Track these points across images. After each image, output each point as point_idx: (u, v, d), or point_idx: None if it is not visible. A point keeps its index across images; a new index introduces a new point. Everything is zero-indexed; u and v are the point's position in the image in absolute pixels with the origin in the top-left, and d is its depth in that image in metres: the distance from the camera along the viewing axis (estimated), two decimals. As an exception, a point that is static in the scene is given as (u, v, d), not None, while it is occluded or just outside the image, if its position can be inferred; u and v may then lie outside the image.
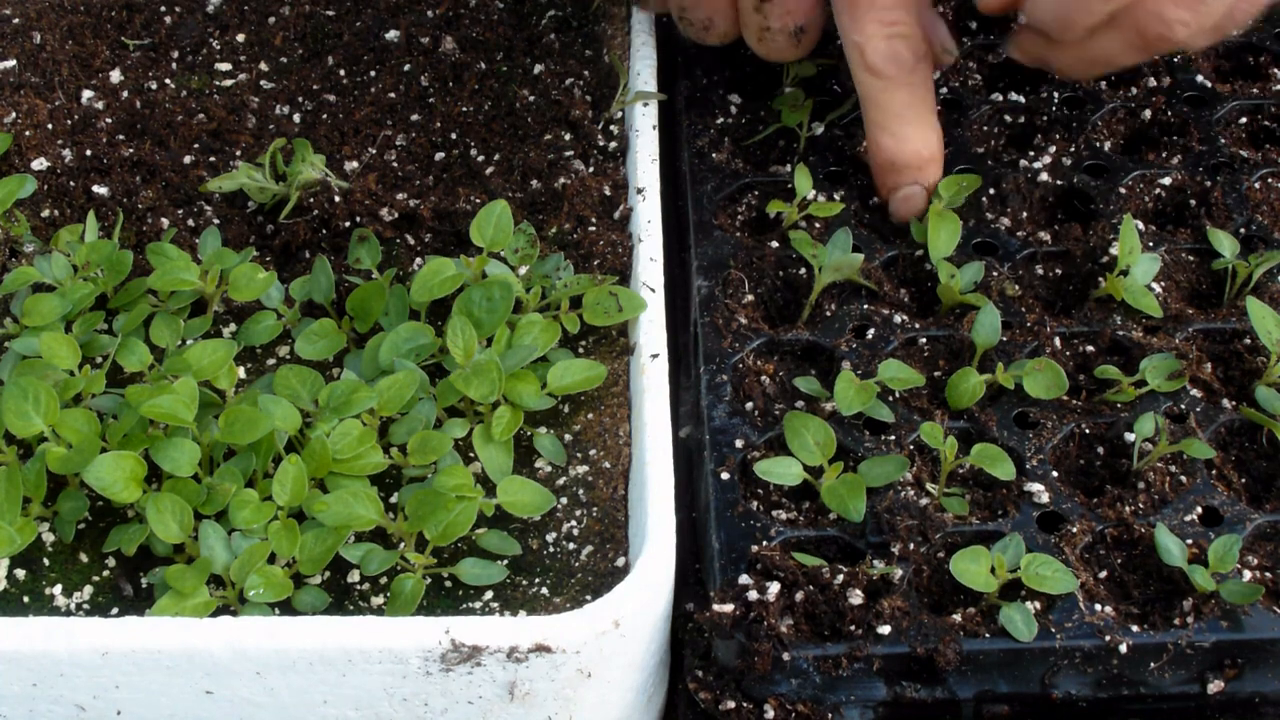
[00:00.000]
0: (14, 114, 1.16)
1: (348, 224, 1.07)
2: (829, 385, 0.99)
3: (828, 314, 1.05)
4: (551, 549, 0.94)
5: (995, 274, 1.07)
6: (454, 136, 1.15)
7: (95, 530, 0.94)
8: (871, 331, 1.04)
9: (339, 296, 1.04)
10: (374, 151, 1.15)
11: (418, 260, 1.07)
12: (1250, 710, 0.89)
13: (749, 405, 1.00)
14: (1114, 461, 0.98)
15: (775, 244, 1.09)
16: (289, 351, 1.04)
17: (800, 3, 1.09)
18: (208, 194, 1.11)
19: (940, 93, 1.20)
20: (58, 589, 0.92)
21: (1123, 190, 1.13)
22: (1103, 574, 0.92)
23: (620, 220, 1.09)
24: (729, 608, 0.88)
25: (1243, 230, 1.09)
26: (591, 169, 1.13)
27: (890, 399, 1.00)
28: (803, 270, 1.07)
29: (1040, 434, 0.98)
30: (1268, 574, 0.91)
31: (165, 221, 1.09)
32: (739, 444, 0.97)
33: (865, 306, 1.05)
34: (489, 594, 0.92)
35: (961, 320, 1.04)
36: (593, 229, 1.08)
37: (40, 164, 1.13)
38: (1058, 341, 1.03)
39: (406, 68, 1.19)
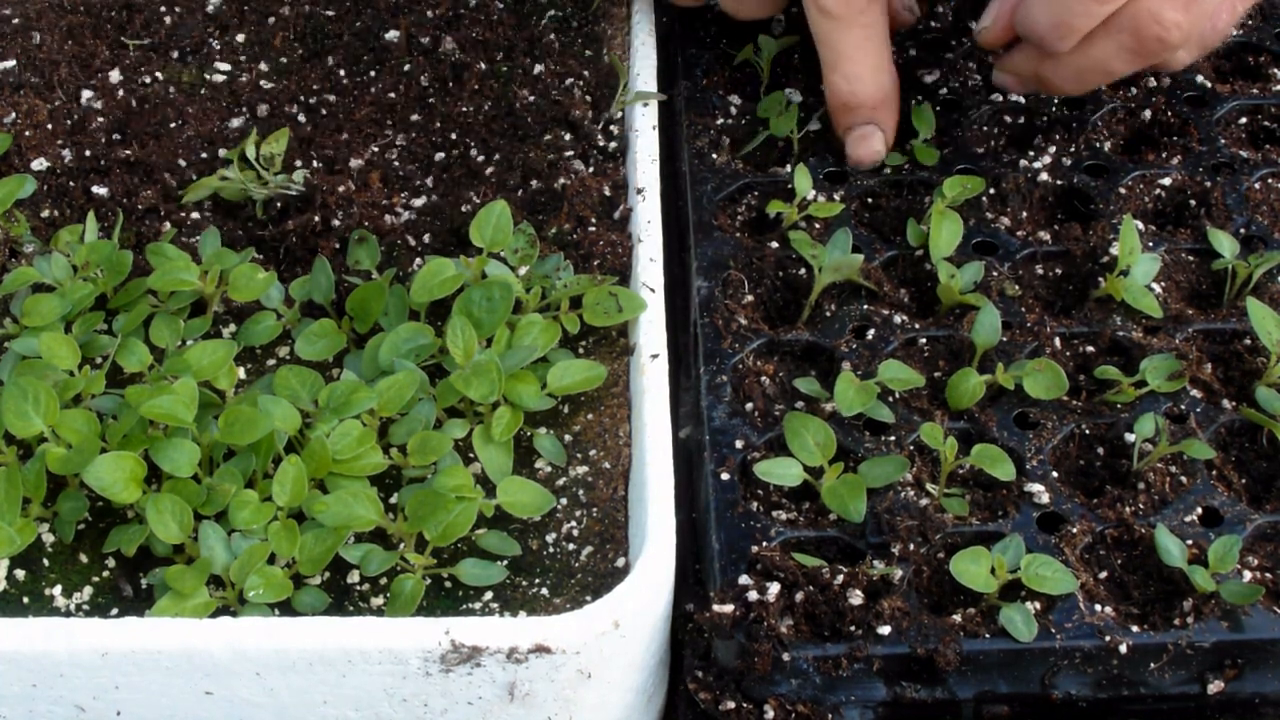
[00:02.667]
0: (14, 114, 1.15)
1: (346, 223, 1.07)
2: (829, 386, 0.99)
3: (828, 314, 1.05)
4: (551, 549, 0.94)
5: (995, 274, 1.07)
6: (454, 136, 1.15)
7: (95, 531, 0.94)
8: (871, 332, 1.04)
9: (339, 297, 1.04)
10: (376, 150, 1.15)
11: (417, 260, 1.07)
12: (1250, 711, 0.89)
13: (749, 406, 1.00)
14: (1114, 462, 0.98)
15: (775, 244, 1.09)
16: (289, 352, 1.04)
17: None
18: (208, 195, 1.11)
19: (940, 93, 1.20)
20: (57, 590, 0.92)
21: (1123, 190, 1.13)
22: (1103, 574, 0.92)
23: (620, 220, 1.09)
24: (729, 608, 0.88)
25: (1243, 230, 1.09)
26: (591, 169, 1.13)
27: (890, 399, 1.00)
28: (802, 270, 1.07)
29: (1040, 434, 0.98)
30: (1268, 574, 0.91)
31: (166, 222, 1.09)
32: (739, 444, 0.97)
33: (865, 307, 1.05)
34: (489, 594, 0.92)
35: (961, 320, 1.04)
36: (593, 229, 1.08)
37: (40, 164, 1.13)
38: (1058, 342, 1.03)
39: (406, 68, 1.19)
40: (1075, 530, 0.93)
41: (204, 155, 1.14)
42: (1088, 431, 0.99)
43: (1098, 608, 0.89)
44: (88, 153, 1.14)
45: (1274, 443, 0.98)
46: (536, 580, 0.92)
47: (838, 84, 1.12)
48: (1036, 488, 0.95)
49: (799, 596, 0.89)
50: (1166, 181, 1.14)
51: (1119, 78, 1.11)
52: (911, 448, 0.98)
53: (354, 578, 0.92)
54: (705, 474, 0.97)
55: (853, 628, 0.88)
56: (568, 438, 0.99)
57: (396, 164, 1.14)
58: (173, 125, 1.16)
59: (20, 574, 0.92)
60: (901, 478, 0.95)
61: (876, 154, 1.12)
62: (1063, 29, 1.02)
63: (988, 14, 1.11)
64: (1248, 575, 0.91)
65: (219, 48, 1.22)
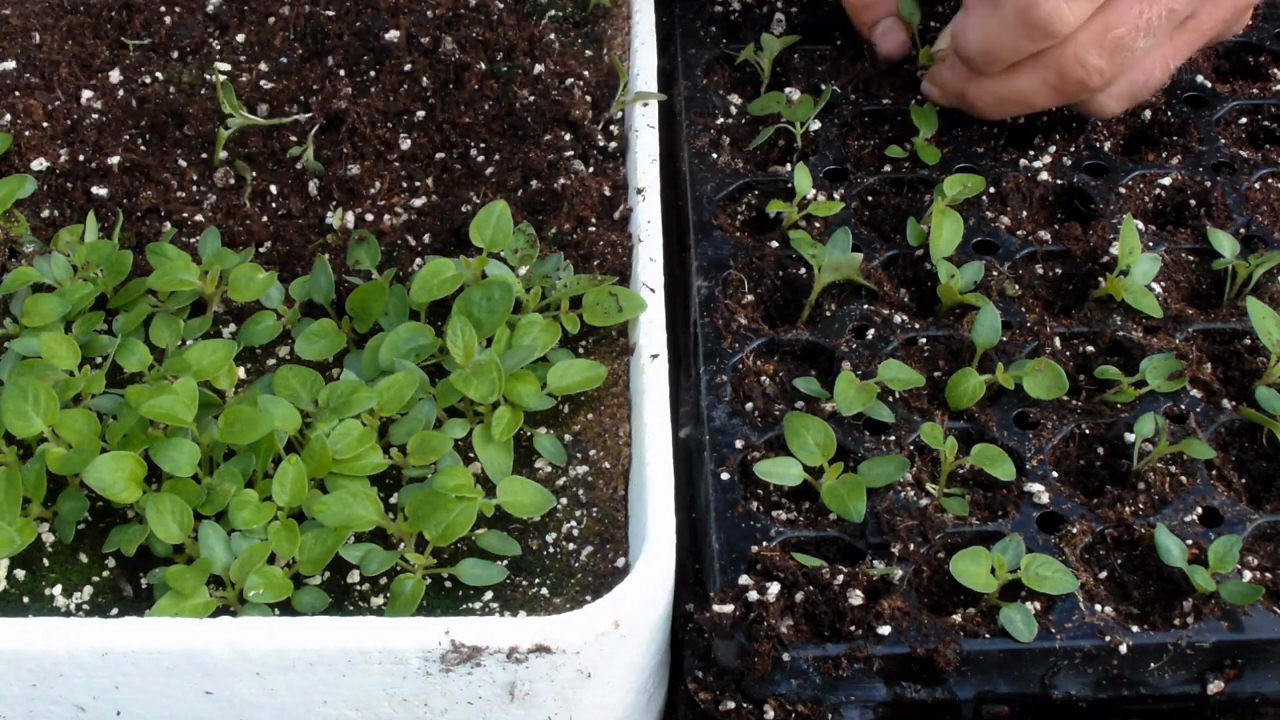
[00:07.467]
0: (14, 115, 1.15)
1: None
2: (829, 385, 0.99)
3: (828, 314, 1.05)
4: (551, 549, 0.94)
5: (995, 274, 1.07)
6: (454, 137, 1.15)
7: (95, 531, 0.94)
8: (871, 331, 1.04)
9: (339, 297, 1.04)
10: (376, 151, 1.15)
11: (417, 261, 1.07)
12: (1250, 711, 0.89)
13: (749, 406, 1.00)
14: (1114, 462, 0.98)
15: (775, 244, 1.09)
16: (289, 352, 1.04)
17: None
18: (205, 194, 1.11)
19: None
20: (57, 589, 0.92)
21: (1123, 190, 1.13)
22: (1103, 574, 0.92)
23: (620, 220, 1.09)
24: (729, 608, 0.88)
25: (1243, 230, 1.09)
26: (591, 169, 1.13)
27: (890, 399, 1.00)
28: (802, 270, 1.07)
29: (1040, 434, 0.98)
30: (1268, 574, 0.91)
31: (166, 222, 1.09)
32: (739, 444, 0.97)
33: (865, 306, 1.05)
34: (489, 594, 0.92)
35: (961, 320, 1.04)
36: (593, 229, 1.07)
37: (40, 164, 1.13)
38: (1058, 342, 1.03)
39: (407, 68, 1.19)
40: (1075, 530, 0.93)
41: (204, 155, 1.14)
42: (1088, 431, 0.99)
43: (1098, 608, 0.89)
44: (87, 153, 1.14)
45: (1274, 442, 0.98)
46: (536, 580, 0.92)
47: None
48: (1036, 487, 0.95)
49: (799, 596, 0.89)
50: (1166, 181, 1.14)
51: (1038, 110, 1.13)
52: (911, 448, 0.98)
53: (354, 578, 0.92)
54: (705, 474, 0.97)
55: (853, 628, 0.88)
56: (568, 438, 0.99)
57: (397, 164, 1.14)
58: (172, 125, 1.16)
59: (20, 574, 0.93)
60: (901, 478, 0.95)
61: (903, 45, 1.17)
62: (990, 55, 1.07)
63: (943, 36, 1.15)
64: (1248, 575, 0.91)
65: (219, 48, 1.22)
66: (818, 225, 1.10)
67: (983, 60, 1.07)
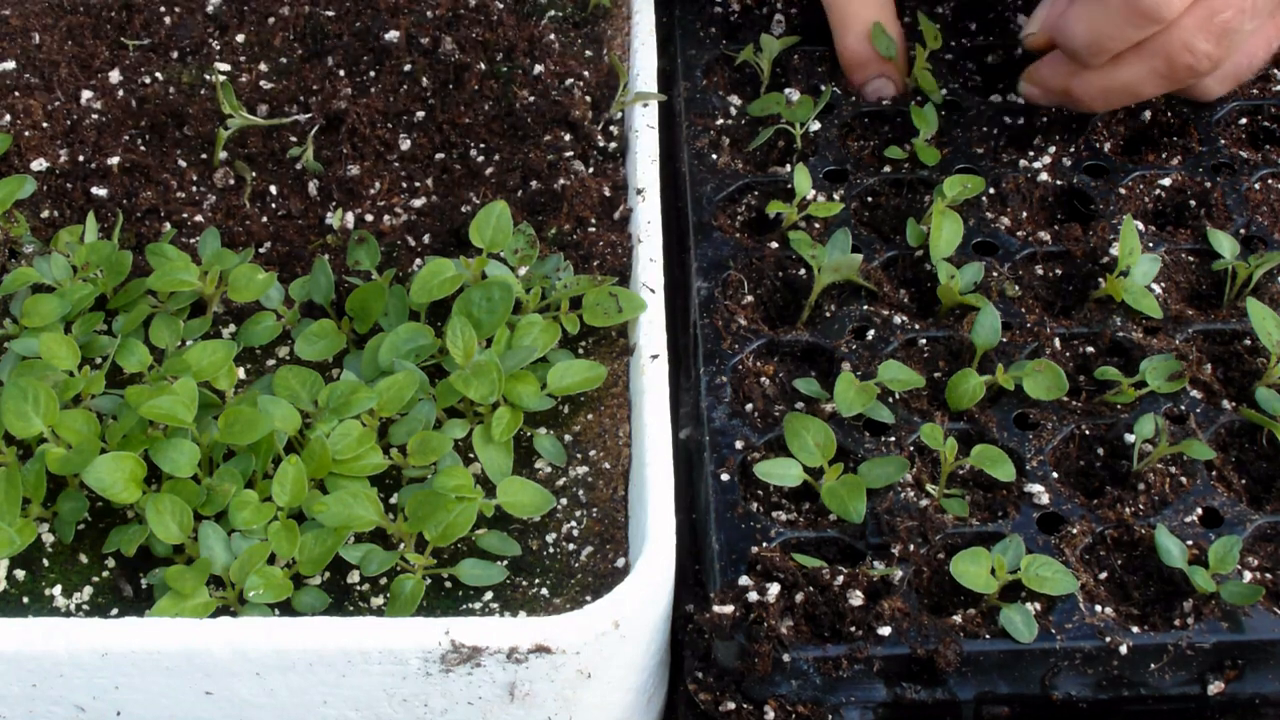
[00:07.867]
0: (13, 115, 1.15)
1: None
2: (829, 386, 0.99)
3: (827, 315, 1.05)
4: (551, 550, 0.94)
5: (995, 274, 1.07)
6: (454, 137, 1.15)
7: (95, 531, 0.94)
8: (871, 332, 1.04)
9: (339, 297, 1.04)
10: (380, 149, 1.15)
11: (417, 261, 1.07)
12: (1251, 712, 0.89)
13: (749, 406, 1.00)
14: (1114, 463, 0.98)
15: (775, 245, 1.09)
16: (289, 352, 1.04)
17: None
18: (205, 194, 1.11)
19: (940, 93, 1.20)
20: (57, 590, 0.92)
21: (1123, 191, 1.13)
22: (1103, 575, 0.92)
23: (620, 221, 1.09)
24: (729, 609, 0.88)
25: (1243, 231, 1.09)
26: (591, 170, 1.13)
27: (890, 400, 1.00)
28: (802, 271, 1.07)
29: (1040, 435, 0.98)
30: (1268, 575, 0.91)
31: (166, 222, 1.09)
32: (739, 445, 0.97)
33: (865, 307, 1.05)
34: (489, 595, 0.92)
35: (961, 321, 1.04)
36: (592, 230, 1.07)
37: (39, 165, 1.13)
38: (1058, 342, 1.03)
39: (407, 68, 1.19)
40: (1075, 531, 0.93)
41: (204, 156, 1.14)
42: (1088, 432, 0.99)
43: (1098, 608, 0.89)
44: (87, 153, 1.14)
45: (1274, 443, 0.98)
46: (536, 580, 0.92)
47: (849, 44, 1.18)
48: (1036, 488, 0.95)
49: (799, 597, 0.89)
50: (1166, 182, 1.14)
51: (1145, 99, 1.13)
52: (911, 448, 0.97)
53: (354, 578, 0.92)
54: (705, 475, 0.97)
55: (853, 629, 0.88)
56: (568, 438, 0.99)
57: (397, 164, 1.14)
58: (172, 125, 1.16)
59: (20, 574, 0.92)
60: (901, 478, 0.95)
61: (891, 97, 1.20)
62: (1096, 46, 1.06)
63: (1033, 20, 1.15)
64: (1248, 576, 0.91)
65: (219, 48, 1.22)
66: (817, 226, 1.10)
67: (1089, 52, 1.07)
